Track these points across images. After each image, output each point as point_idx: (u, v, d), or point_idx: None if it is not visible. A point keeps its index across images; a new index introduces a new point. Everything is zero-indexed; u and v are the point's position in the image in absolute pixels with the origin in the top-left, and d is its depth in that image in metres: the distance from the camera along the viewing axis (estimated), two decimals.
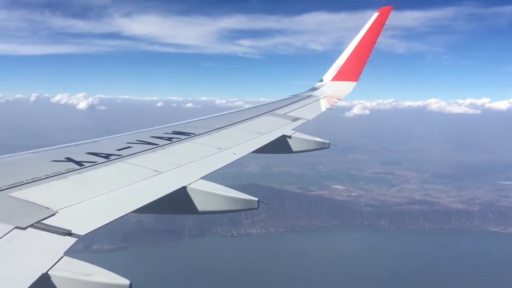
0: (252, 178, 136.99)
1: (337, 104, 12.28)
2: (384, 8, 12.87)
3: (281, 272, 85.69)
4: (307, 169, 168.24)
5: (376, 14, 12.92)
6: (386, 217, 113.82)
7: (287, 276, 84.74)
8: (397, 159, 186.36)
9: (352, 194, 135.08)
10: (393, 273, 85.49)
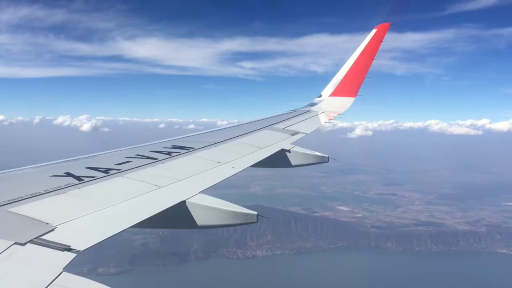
0: (256, 199, 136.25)
1: (336, 120, 12.45)
2: (382, 25, 13.06)
3: None
4: (311, 190, 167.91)
5: (374, 31, 13.08)
6: (392, 239, 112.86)
7: None
8: (400, 180, 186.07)
9: (357, 215, 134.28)
10: None
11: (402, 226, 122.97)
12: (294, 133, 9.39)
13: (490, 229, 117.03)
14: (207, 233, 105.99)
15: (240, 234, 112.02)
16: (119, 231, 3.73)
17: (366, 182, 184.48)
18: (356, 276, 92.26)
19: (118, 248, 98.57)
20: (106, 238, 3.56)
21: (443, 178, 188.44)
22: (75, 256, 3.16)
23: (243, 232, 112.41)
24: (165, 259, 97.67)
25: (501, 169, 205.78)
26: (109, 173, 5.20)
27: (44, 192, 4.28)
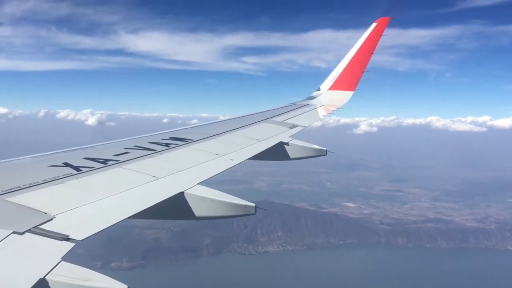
0: (262, 195, 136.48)
1: (335, 115, 12.51)
2: (381, 19, 13.00)
3: None
4: (316, 186, 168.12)
5: (374, 25, 13.05)
6: (403, 235, 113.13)
7: None
8: (404, 176, 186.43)
9: (365, 211, 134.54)
10: None
11: (411, 222, 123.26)
12: (293, 126, 9.39)
13: (499, 226, 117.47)
14: (218, 228, 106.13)
15: (251, 229, 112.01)
16: (117, 221, 3.75)
17: (371, 178, 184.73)
18: (369, 272, 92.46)
19: (130, 242, 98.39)
20: (105, 228, 3.57)
21: (447, 175, 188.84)
22: (74, 246, 3.15)
23: (253, 228, 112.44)
24: (178, 254, 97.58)
25: (505, 166, 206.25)
26: (107, 164, 5.22)
27: (42, 182, 4.30)
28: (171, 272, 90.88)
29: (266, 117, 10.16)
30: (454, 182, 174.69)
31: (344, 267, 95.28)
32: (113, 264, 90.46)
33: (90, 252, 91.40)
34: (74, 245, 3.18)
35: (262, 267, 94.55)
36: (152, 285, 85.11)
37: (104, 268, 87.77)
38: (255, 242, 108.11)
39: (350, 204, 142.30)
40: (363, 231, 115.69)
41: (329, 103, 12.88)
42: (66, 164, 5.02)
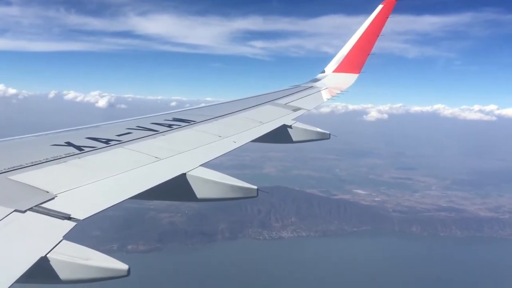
0: (272, 180, 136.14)
1: (341, 101, 12.41)
2: (388, 1, 12.72)
3: (322, 276, 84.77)
4: (325, 173, 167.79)
5: (380, 6, 12.82)
6: (417, 224, 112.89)
7: (327, 281, 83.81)
8: (413, 164, 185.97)
9: (376, 199, 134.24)
10: (436, 279, 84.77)
11: (424, 211, 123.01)
12: (296, 109, 9.32)
13: None
14: (232, 213, 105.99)
15: (264, 215, 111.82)
16: (119, 201, 3.72)
17: (379, 166, 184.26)
18: (385, 260, 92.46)
19: (145, 226, 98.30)
20: (106, 208, 3.55)
21: (456, 164, 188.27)
22: (75, 225, 3.15)
23: (267, 213, 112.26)
24: (193, 238, 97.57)
25: None
26: (109, 144, 5.20)
27: (44, 160, 4.27)
28: (187, 255, 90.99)
29: (269, 99, 10.06)
30: (464, 171, 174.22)
31: (359, 254, 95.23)
32: (129, 247, 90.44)
33: (106, 234, 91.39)
34: (76, 224, 3.16)
35: (277, 253, 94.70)
36: (169, 268, 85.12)
37: (120, 250, 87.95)
38: (269, 227, 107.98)
39: (360, 191, 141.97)
40: (376, 219, 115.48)
41: (333, 86, 12.77)
42: (69, 144, 4.99)
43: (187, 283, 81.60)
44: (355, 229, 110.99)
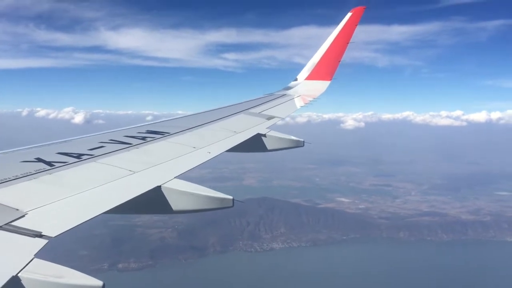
0: (255, 192, 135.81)
1: (311, 105, 12.43)
2: (357, 8, 13.20)
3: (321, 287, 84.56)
4: (306, 182, 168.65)
5: (349, 14, 13.11)
6: (404, 229, 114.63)
7: None
8: (390, 171, 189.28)
9: (360, 206, 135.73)
10: (437, 282, 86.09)
11: (408, 216, 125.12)
12: (270, 118, 9.42)
13: (494, 218, 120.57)
14: (221, 226, 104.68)
15: (253, 226, 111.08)
16: (92, 217, 3.65)
17: (358, 174, 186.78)
18: (377, 267, 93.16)
19: (135, 242, 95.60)
20: (79, 224, 3.48)
21: (432, 169, 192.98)
22: (47, 243, 3.09)
23: (256, 225, 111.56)
24: (185, 253, 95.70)
25: (485, 160, 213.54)
26: (81, 158, 5.12)
27: (13, 178, 4.16)
28: (181, 271, 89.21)
29: (243, 108, 10.11)
30: (439, 175, 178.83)
31: (353, 263, 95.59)
32: (120, 266, 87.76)
33: (95, 254, 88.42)
34: (47, 242, 3.08)
35: (270, 265, 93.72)
36: (165, 284, 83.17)
37: (111, 269, 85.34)
38: (259, 239, 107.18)
39: (344, 199, 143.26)
40: (363, 226, 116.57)
41: (306, 93, 12.90)
42: (39, 159, 4.86)
43: None
44: (345, 237, 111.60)
